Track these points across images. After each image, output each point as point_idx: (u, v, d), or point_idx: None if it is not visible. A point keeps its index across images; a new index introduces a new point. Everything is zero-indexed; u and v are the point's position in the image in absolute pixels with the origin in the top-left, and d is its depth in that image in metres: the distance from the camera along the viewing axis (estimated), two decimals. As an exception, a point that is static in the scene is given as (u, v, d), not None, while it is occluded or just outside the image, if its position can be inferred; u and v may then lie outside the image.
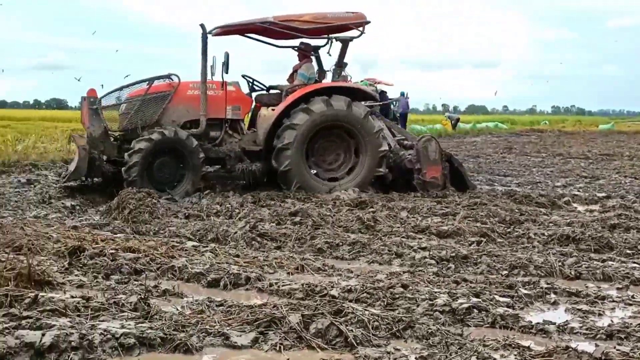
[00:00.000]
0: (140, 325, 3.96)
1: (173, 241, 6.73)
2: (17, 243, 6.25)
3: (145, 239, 6.76)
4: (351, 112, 10.85)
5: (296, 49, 11.75)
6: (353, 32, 11.28)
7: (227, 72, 10.88)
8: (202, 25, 10.72)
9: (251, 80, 11.70)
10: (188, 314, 4.39)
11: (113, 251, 5.97)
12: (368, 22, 11.21)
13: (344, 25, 11.23)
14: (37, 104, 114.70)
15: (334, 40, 11.25)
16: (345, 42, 11.32)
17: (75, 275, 5.41)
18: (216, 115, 10.87)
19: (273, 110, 11.03)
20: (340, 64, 11.50)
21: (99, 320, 4.04)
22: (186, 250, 6.35)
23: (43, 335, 3.65)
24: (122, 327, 3.87)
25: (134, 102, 10.60)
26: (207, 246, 6.59)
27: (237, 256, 6.19)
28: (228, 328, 4.07)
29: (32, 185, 10.50)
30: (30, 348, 3.59)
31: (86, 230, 7.07)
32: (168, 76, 10.98)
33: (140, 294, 4.64)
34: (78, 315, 4.14)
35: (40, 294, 4.52)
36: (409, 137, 12.34)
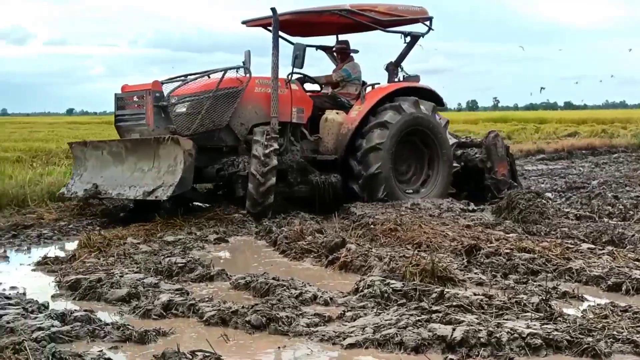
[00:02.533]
0: (545, 326, 3.97)
1: (567, 242, 6.59)
2: (417, 240, 6.68)
3: (537, 240, 6.73)
4: (426, 114, 9.87)
5: (335, 49, 10.63)
6: (420, 28, 10.32)
7: (301, 67, 9.58)
8: (273, 10, 9.21)
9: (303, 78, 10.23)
10: (591, 318, 4.30)
11: (508, 251, 6.05)
12: (432, 18, 10.14)
13: (412, 19, 10.17)
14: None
15: (404, 35, 10.23)
16: (415, 38, 10.22)
17: (475, 273, 5.60)
18: (281, 119, 9.28)
19: (338, 113, 9.81)
20: (399, 63, 10.38)
21: (504, 319, 4.14)
22: (581, 252, 6.18)
23: (454, 329, 3.85)
24: (528, 327, 3.91)
25: (202, 99, 8.90)
26: (602, 248, 6.33)
27: (638, 260, 5.87)
28: (638, 335, 3.89)
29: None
30: (442, 341, 3.81)
31: (479, 229, 7.27)
32: (237, 68, 9.41)
33: (540, 295, 4.66)
34: (483, 313, 4.29)
35: (445, 289, 4.76)
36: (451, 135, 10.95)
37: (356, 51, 10.57)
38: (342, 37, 10.81)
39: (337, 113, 9.83)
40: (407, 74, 10.52)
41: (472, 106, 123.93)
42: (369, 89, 10.03)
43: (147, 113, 8.68)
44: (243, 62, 9.48)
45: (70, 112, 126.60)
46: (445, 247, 6.42)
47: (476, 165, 10.44)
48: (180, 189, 8.05)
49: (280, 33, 9.82)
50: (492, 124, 36.03)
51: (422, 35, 10.29)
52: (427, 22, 10.23)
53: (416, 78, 10.44)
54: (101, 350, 3.83)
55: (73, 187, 9.21)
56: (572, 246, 6.40)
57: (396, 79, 10.46)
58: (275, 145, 8.62)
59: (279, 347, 4.01)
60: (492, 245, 6.32)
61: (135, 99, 9.14)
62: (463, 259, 6.02)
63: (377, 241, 6.93)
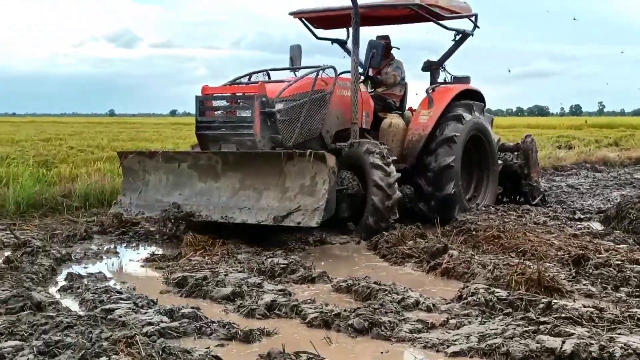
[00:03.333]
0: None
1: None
2: (522, 248, 6.52)
3: (650, 252, 6.46)
4: (485, 120, 9.49)
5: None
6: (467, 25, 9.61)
7: (378, 66, 9.05)
8: (354, 2, 8.17)
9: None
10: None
11: (619, 262, 5.81)
12: (477, 14, 9.50)
13: (463, 15, 9.50)
14: (519, 111, 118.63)
15: (455, 33, 9.49)
16: (466, 36, 9.50)
17: (583, 284, 5.42)
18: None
19: (398, 118, 9.13)
20: (442, 62, 9.61)
21: (616, 333, 3.99)
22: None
23: (563, 342, 3.74)
24: (643, 342, 3.76)
25: (296, 105, 7.85)
26: None
27: None
28: None
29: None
30: (550, 354, 3.70)
31: (587, 239, 7.03)
32: (324, 68, 8.26)
33: (655, 310, 4.47)
34: (593, 326, 4.14)
35: (553, 300, 4.63)
36: None
37: (397, 48, 9.80)
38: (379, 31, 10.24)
39: (398, 117, 9.22)
40: (450, 74, 9.76)
41: (576, 111, 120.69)
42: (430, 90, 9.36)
43: (255, 121, 7.54)
44: (291, 58, 8.95)
45: (173, 113, 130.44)
46: (551, 256, 6.25)
47: (515, 172, 9.90)
48: (327, 214, 6.87)
49: (309, 25, 9.75)
50: (597, 130, 34.97)
51: (471, 33, 9.57)
52: (473, 19, 9.58)
53: (467, 79, 9.73)
54: (208, 348, 3.91)
55: (133, 206, 7.94)
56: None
57: (439, 80, 9.68)
58: (397, 173, 7.80)
59: (382, 352, 4.00)
60: (601, 256, 6.10)
61: (223, 103, 8.06)
62: (570, 269, 5.83)
63: (480, 248, 6.79)
